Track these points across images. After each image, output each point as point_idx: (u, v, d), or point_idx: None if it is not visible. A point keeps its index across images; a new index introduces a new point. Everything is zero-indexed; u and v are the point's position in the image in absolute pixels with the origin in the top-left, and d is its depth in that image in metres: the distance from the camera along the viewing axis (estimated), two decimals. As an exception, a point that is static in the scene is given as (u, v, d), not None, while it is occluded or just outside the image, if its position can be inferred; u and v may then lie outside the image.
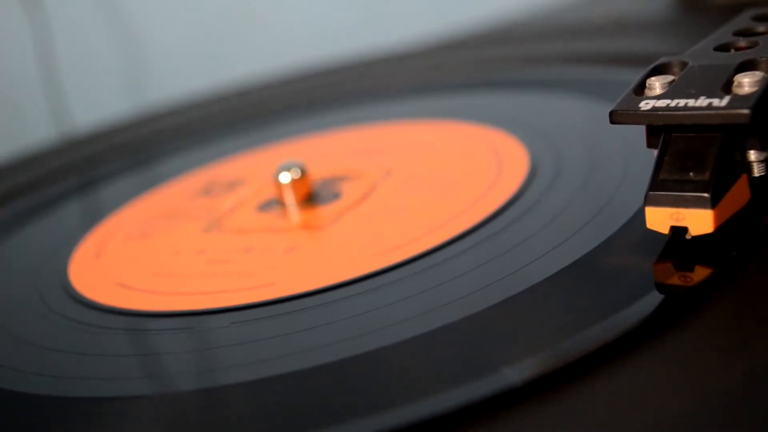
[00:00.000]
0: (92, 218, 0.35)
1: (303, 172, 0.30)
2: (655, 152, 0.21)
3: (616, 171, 0.26)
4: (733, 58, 0.22)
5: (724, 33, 0.24)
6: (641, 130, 0.22)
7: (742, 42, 0.23)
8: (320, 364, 0.20)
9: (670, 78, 0.22)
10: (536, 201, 0.26)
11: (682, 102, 0.20)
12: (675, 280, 0.20)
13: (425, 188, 0.29)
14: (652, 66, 0.22)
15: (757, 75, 0.20)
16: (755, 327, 0.18)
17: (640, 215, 0.21)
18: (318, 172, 0.33)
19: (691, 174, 0.20)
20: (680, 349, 0.17)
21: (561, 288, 0.21)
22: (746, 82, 0.20)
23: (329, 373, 0.19)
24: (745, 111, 0.19)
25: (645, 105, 0.21)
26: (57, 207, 0.38)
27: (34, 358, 0.23)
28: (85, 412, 0.20)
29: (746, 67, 0.21)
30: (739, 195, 0.21)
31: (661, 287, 0.20)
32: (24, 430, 0.20)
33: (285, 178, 0.30)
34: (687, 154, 0.20)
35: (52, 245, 0.33)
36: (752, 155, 0.21)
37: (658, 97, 0.21)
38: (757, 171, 0.21)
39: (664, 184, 0.20)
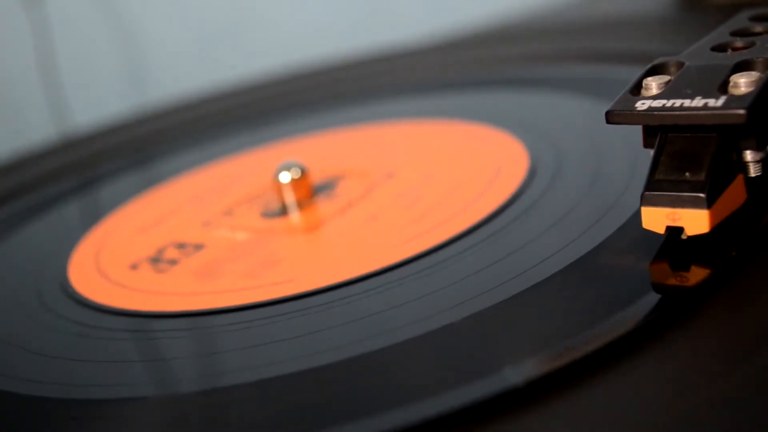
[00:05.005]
0: (92, 218, 0.35)
1: (303, 171, 0.31)
2: (652, 152, 0.21)
3: (614, 171, 0.26)
4: (730, 58, 0.22)
5: (721, 33, 0.24)
6: (639, 129, 0.22)
7: (739, 42, 0.23)
8: (320, 365, 0.20)
9: (666, 78, 0.22)
10: (535, 201, 0.26)
11: (678, 102, 0.20)
12: (672, 280, 0.20)
13: (424, 188, 0.29)
14: (648, 66, 0.22)
15: (754, 75, 0.20)
16: (753, 328, 0.18)
17: (637, 216, 0.21)
18: (318, 172, 0.33)
19: (687, 174, 0.20)
20: (678, 350, 0.17)
21: (558, 289, 0.21)
22: (742, 82, 0.20)
23: (330, 373, 0.19)
24: (741, 111, 0.19)
25: (641, 105, 0.21)
26: (57, 207, 0.38)
27: (33, 358, 0.23)
28: (85, 413, 0.20)
29: (743, 67, 0.21)
30: (735, 195, 0.21)
31: (657, 287, 0.20)
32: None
33: (285, 177, 0.30)
34: (683, 155, 0.20)
35: (52, 245, 0.33)
36: (748, 155, 0.21)
37: (655, 97, 0.21)
38: (753, 171, 0.21)
39: (660, 185, 0.20)
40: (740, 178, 0.21)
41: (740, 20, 0.24)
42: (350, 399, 0.18)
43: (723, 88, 0.20)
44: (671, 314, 0.18)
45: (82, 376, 0.22)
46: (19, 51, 0.64)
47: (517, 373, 0.18)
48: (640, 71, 0.22)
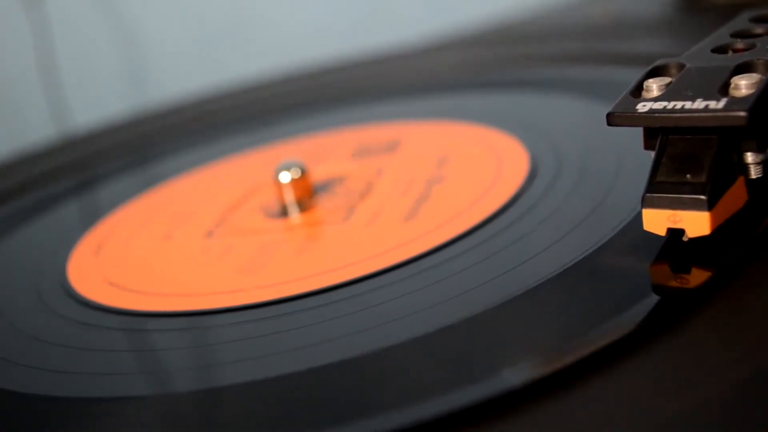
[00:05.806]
0: (91, 217, 0.35)
1: (303, 171, 0.31)
2: (653, 154, 0.21)
3: (614, 172, 0.26)
4: (731, 60, 0.22)
5: (721, 35, 0.24)
6: (640, 131, 0.22)
7: (740, 44, 0.23)
8: (320, 365, 0.20)
9: (667, 80, 0.22)
10: (535, 202, 0.26)
11: (679, 104, 0.20)
12: (672, 282, 0.20)
13: (425, 188, 0.29)
14: (649, 68, 0.22)
15: (755, 77, 0.20)
16: (753, 330, 0.18)
17: (638, 217, 0.21)
18: (318, 172, 0.33)
19: (688, 176, 0.20)
20: (678, 352, 0.17)
21: (559, 290, 0.21)
22: (743, 84, 0.20)
23: (329, 373, 0.19)
24: (742, 113, 0.19)
25: (642, 107, 0.21)
26: (56, 206, 0.38)
27: (33, 357, 0.23)
28: (84, 412, 0.20)
29: (743, 69, 0.21)
30: (736, 197, 0.21)
31: (658, 289, 0.20)
32: (21, 430, 0.20)
33: (285, 177, 0.30)
34: (684, 156, 0.20)
35: (51, 245, 0.33)
36: (749, 157, 0.21)
37: (655, 99, 0.21)
38: (754, 173, 0.21)
39: (661, 186, 0.20)
40: (741, 180, 0.21)
41: (741, 21, 0.24)
42: (347, 400, 0.18)
43: (724, 89, 0.20)
44: (672, 316, 0.18)
45: (82, 374, 0.22)
46: (19, 51, 0.64)
47: (516, 375, 0.18)
48: (640, 73, 0.22)
